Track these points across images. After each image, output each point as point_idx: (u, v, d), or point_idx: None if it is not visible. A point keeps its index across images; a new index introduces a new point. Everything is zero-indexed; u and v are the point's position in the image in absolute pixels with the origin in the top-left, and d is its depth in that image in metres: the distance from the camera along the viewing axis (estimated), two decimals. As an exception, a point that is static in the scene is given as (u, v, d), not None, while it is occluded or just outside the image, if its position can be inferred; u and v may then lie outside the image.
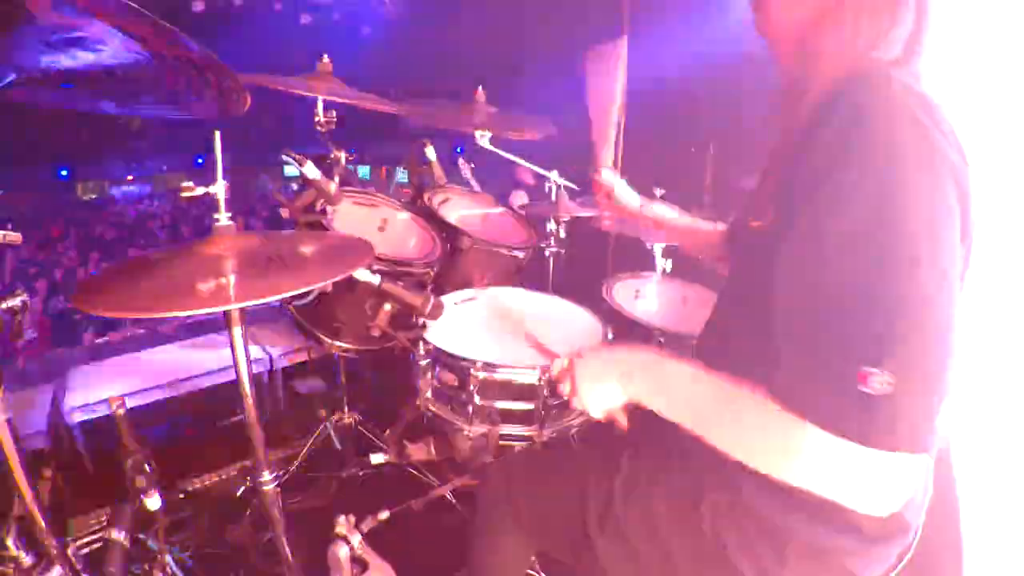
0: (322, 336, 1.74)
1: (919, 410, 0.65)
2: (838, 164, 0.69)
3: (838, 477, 0.68)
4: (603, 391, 0.91)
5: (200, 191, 1.07)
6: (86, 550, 1.79)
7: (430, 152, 2.23)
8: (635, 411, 0.91)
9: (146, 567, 1.52)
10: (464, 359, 1.33)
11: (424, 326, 1.43)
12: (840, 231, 0.67)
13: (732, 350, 0.92)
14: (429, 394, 1.44)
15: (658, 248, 2.05)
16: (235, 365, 1.12)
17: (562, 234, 2.17)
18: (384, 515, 1.60)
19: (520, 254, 1.96)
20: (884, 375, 0.63)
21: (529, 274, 2.08)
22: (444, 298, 1.47)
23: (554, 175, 2.18)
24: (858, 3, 0.77)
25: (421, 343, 1.42)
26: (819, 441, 0.67)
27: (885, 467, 0.66)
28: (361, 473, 2.14)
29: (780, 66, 0.91)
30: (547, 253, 2.21)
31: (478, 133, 2.25)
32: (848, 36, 0.78)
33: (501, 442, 1.37)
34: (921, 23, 0.78)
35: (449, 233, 1.86)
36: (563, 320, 1.63)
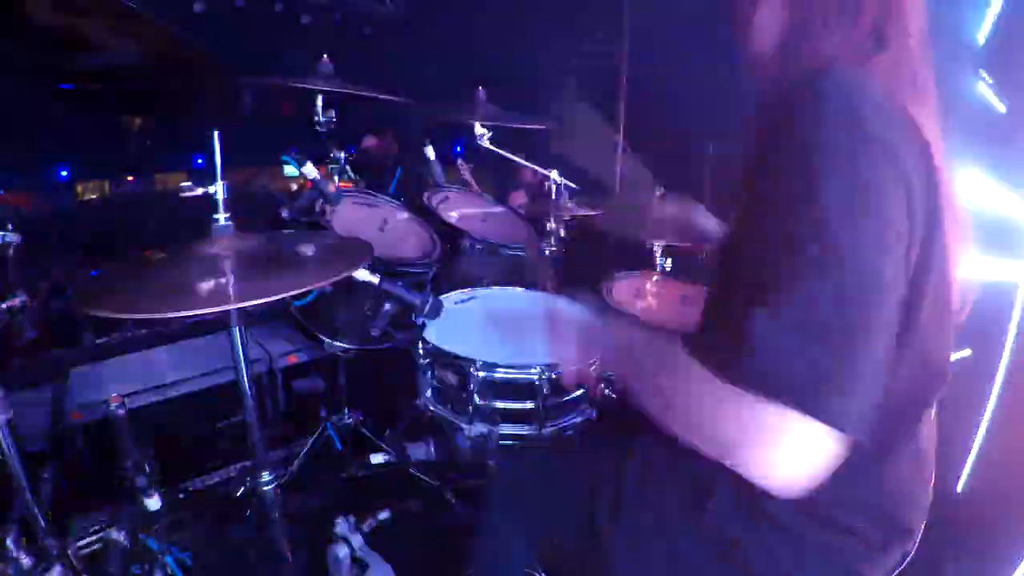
0: (322, 336, 1.74)
1: (795, 356, 0.63)
2: (770, 152, 0.75)
3: (722, 423, 0.68)
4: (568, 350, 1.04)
5: (200, 191, 1.07)
6: (86, 550, 1.79)
7: (430, 152, 2.23)
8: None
9: (146, 567, 1.52)
10: (464, 359, 1.33)
11: (423, 326, 1.43)
12: (761, 200, 0.74)
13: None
14: (429, 394, 1.44)
15: (658, 247, 2.05)
16: (235, 365, 1.12)
17: (562, 233, 2.17)
18: (384, 515, 1.61)
19: (520, 253, 1.96)
20: (763, 312, 0.64)
21: (529, 274, 2.08)
22: (444, 298, 1.47)
23: (554, 174, 2.18)
24: (825, 8, 0.80)
25: (420, 343, 1.42)
26: (705, 382, 0.68)
27: (762, 418, 0.63)
28: (361, 473, 2.13)
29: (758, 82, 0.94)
30: (547, 253, 2.21)
31: (478, 132, 2.26)
32: (814, 43, 0.81)
33: (501, 442, 1.37)
34: (888, 15, 0.80)
35: (449, 233, 1.86)
36: (563, 319, 1.63)
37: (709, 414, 0.70)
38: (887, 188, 0.68)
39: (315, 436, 2.22)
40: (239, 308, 1.07)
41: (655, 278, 1.98)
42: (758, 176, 0.78)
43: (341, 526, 1.45)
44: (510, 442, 1.38)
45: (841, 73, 0.75)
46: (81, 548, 1.51)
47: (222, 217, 1.09)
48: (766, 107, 0.84)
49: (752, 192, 0.80)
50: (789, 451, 0.64)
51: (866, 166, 0.68)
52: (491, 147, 2.30)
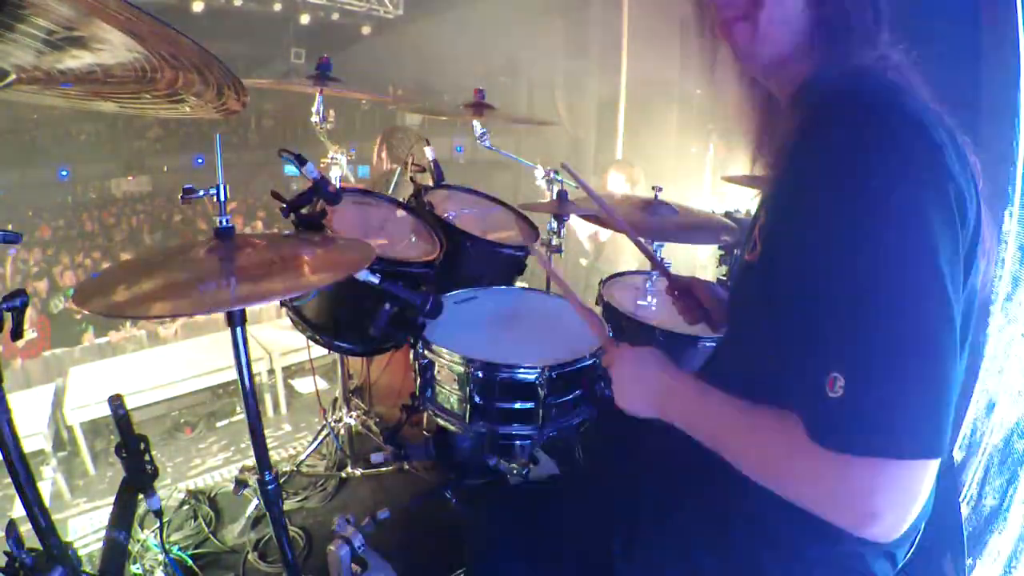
0: (322, 336, 1.74)
1: (882, 410, 0.63)
2: (812, 183, 0.71)
3: (820, 487, 0.67)
4: (634, 407, 0.94)
5: (200, 192, 1.07)
6: (86, 550, 1.79)
7: (430, 152, 2.23)
8: (652, 431, 0.91)
9: (146, 567, 1.52)
10: (464, 359, 1.33)
11: (423, 325, 1.43)
12: (809, 244, 0.70)
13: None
14: (429, 394, 1.44)
15: (657, 248, 2.05)
16: (236, 365, 1.12)
17: (562, 234, 2.17)
18: (384, 515, 1.61)
19: (520, 254, 1.95)
20: (840, 378, 0.64)
21: (529, 274, 2.08)
22: (444, 298, 1.47)
23: (554, 174, 2.18)
24: (828, 15, 0.78)
25: (421, 343, 1.41)
26: (802, 448, 0.68)
27: (866, 474, 0.63)
28: (361, 473, 2.14)
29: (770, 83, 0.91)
30: (547, 253, 2.21)
31: (478, 132, 2.26)
32: (825, 52, 0.78)
33: (501, 442, 1.37)
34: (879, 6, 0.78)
35: (449, 233, 1.86)
36: (563, 320, 1.63)
37: (798, 477, 0.70)
38: (933, 210, 0.65)
39: (315, 436, 2.22)
40: (239, 308, 1.08)
41: (654, 277, 1.98)
42: (788, 201, 0.76)
43: (341, 526, 1.45)
44: (510, 442, 1.38)
45: (879, 82, 0.73)
46: (81, 548, 1.51)
47: (222, 217, 1.09)
48: (784, 122, 0.81)
49: (784, 224, 0.78)
50: (890, 498, 0.63)
51: (911, 195, 0.65)
52: (491, 147, 2.31)
